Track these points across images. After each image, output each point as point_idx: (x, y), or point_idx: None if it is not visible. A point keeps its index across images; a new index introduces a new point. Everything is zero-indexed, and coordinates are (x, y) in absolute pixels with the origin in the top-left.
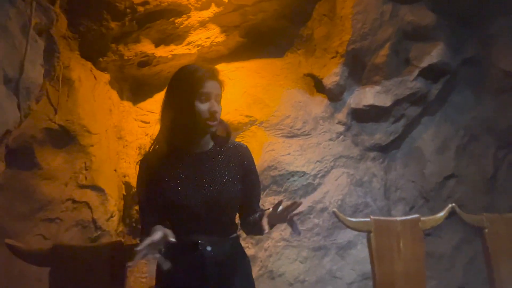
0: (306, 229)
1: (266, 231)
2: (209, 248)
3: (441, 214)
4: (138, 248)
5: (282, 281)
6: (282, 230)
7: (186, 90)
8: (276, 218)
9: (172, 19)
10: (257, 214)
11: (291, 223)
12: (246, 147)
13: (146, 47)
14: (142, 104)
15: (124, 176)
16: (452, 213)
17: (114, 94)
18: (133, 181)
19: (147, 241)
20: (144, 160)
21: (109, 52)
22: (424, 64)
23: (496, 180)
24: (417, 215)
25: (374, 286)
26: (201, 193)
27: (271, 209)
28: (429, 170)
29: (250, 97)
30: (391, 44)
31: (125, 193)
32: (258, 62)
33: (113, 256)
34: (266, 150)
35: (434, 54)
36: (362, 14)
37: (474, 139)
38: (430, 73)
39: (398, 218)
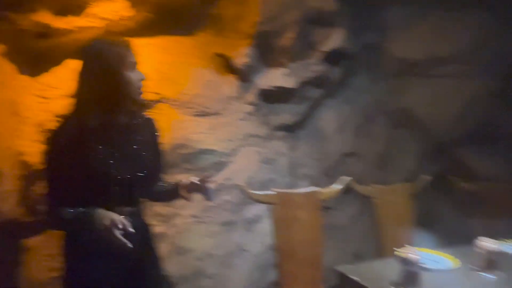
0: (217, 205)
1: (189, 200)
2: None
3: (337, 186)
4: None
5: (191, 257)
6: (192, 208)
7: (114, 59)
8: (193, 188)
9: None
10: (164, 184)
11: (205, 190)
12: (154, 119)
13: (43, 17)
14: (41, 78)
15: (21, 155)
16: (350, 188)
17: (9, 67)
18: (31, 160)
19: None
20: (60, 134)
21: (2, 21)
22: (327, 48)
23: (388, 157)
24: (316, 187)
25: (276, 254)
26: (124, 164)
27: (183, 180)
28: (331, 148)
29: (158, 74)
30: (296, 27)
31: (21, 172)
32: (167, 39)
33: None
34: (176, 128)
35: (335, 39)
36: None
37: (370, 120)
38: (332, 57)
39: (299, 190)
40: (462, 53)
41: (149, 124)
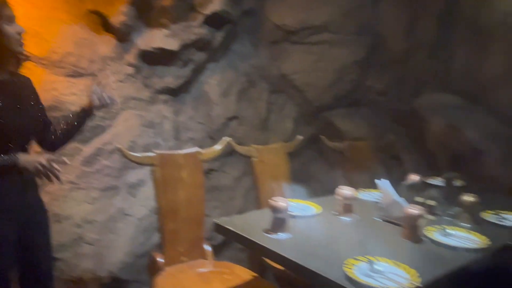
0: (95, 170)
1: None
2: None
3: (218, 146)
4: None
5: (69, 224)
6: (68, 173)
7: None
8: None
9: None
10: (59, 121)
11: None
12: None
13: None
14: None
15: None
16: (232, 150)
17: None
18: None
19: None
20: None
21: None
22: (208, 11)
23: (269, 121)
24: (197, 148)
25: (158, 215)
26: (18, 116)
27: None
28: (215, 112)
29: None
30: None
31: None
32: None
33: None
34: (47, 89)
35: (216, 2)
36: None
37: (252, 85)
38: (214, 21)
39: (180, 151)
40: (333, 22)
41: (29, 80)
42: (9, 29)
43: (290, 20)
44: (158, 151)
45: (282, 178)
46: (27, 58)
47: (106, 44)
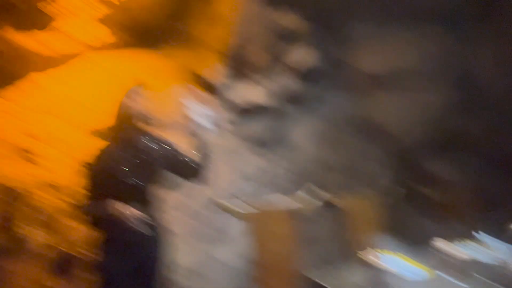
0: (189, 215)
1: None
2: None
3: (311, 198)
4: None
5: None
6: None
7: None
8: None
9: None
10: None
11: None
12: None
13: (8, 32)
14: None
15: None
16: (323, 199)
17: None
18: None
19: None
20: None
21: None
22: (297, 64)
23: (357, 167)
24: (291, 200)
25: (252, 266)
26: None
27: None
28: (303, 160)
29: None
30: (266, 45)
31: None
32: (141, 55)
33: None
34: None
35: (305, 56)
36: (240, 16)
37: (340, 131)
38: (303, 73)
39: (276, 204)
40: (423, 66)
41: None
42: None
43: (379, 66)
44: (254, 204)
45: (375, 229)
46: None
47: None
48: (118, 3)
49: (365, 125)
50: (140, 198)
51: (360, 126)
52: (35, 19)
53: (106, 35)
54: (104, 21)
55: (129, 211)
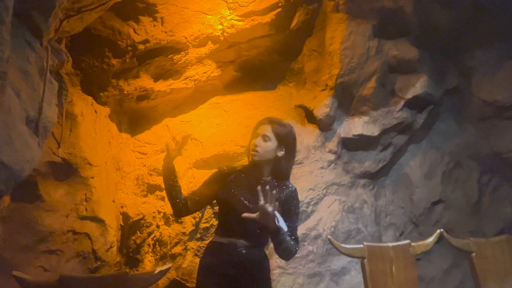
0: (301, 256)
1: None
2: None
3: (431, 239)
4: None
5: None
6: (277, 258)
7: None
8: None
9: (170, 55)
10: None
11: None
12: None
13: (145, 82)
14: (140, 136)
15: (122, 207)
16: (441, 237)
17: (113, 127)
18: (131, 211)
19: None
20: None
21: (110, 87)
22: (409, 95)
23: (481, 204)
24: (408, 241)
25: None
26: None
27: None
28: (417, 196)
29: (245, 128)
30: (377, 77)
31: (122, 224)
32: (252, 94)
33: (119, 286)
34: None
35: (418, 86)
36: (349, 49)
37: (459, 165)
38: (415, 103)
39: (390, 244)
40: None
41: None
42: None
43: (502, 96)
44: (366, 243)
45: (508, 277)
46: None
47: (310, 134)
48: (222, 38)
49: (487, 157)
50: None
51: (480, 158)
52: (171, 70)
53: (212, 69)
54: (210, 56)
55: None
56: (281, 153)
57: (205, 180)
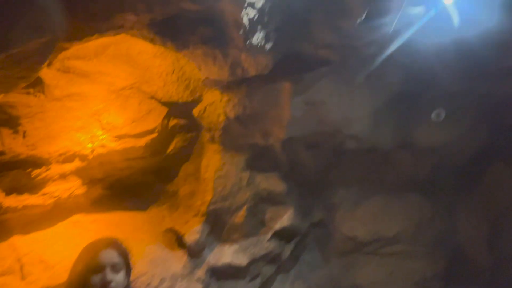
0: None
1: None
2: None
3: None
4: None
5: None
6: None
7: None
8: None
9: (29, 170)
10: None
11: None
12: None
13: None
14: None
15: None
16: None
17: None
18: None
19: None
20: None
21: None
22: (277, 226)
23: None
24: None
25: None
26: None
27: None
28: None
29: None
30: (248, 206)
31: None
32: (120, 214)
33: None
34: None
35: (285, 218)
36: (223, 178)
37: None
38: (283, 234)
39: None
40: (406, 233)
41: None
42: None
43: (361, 232)
44: None
45: None
46: None
47: (178, 261)
48: (91, 157)
49: None
50: None
51: None
52: (27, 185)
53: (77, 186)
54: (77, 172)
55: None
56: None
57: None
